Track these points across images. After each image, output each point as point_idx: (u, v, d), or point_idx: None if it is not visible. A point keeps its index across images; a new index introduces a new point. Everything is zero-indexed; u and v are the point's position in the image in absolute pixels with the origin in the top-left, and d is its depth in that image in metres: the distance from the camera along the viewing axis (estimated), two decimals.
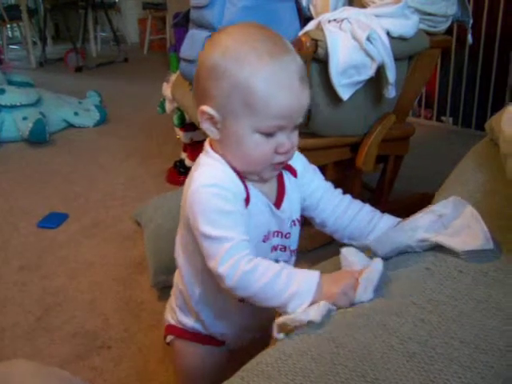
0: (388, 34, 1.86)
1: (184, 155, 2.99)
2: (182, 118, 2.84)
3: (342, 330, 0.82)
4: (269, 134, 0.96)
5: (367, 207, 1.17)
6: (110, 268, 2.23)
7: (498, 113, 1.40)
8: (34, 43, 7.22)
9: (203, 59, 0.99)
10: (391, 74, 1.85)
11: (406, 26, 1.90)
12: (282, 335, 0.87)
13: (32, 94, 3.96)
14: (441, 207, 1.04)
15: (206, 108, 0.98)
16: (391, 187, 2.36)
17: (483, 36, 3.44)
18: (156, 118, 3.85)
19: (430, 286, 0.90)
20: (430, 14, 2.01)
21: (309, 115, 1.95)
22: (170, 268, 1.26)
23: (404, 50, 1.96)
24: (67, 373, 1.04)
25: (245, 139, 0.97)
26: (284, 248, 1.13)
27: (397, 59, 1.88)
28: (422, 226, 1.02)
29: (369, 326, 0.82)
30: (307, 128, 1.99)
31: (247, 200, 1.02)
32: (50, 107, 4.03)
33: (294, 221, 1.14)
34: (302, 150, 1.80)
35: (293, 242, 1.17)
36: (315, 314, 0.86)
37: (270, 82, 0.92)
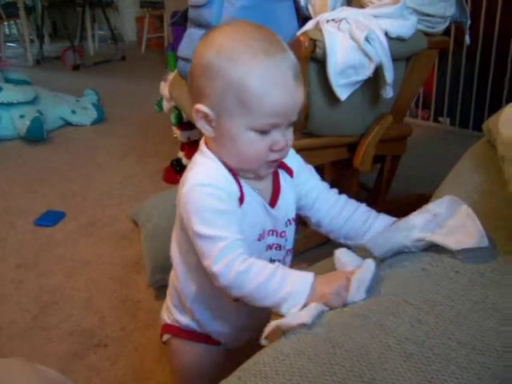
0: (386, 34, 1.87)
1: (181, 154, 2.99)
2: (179, 117, 2.84)
3: (338, 330, 0.82)
4: (263, 132, 0.96)
5: (363, 207, 1.17)
6: (107, 267, 2.23)
7: (496, 114, 1.41)
8: (32, 41, 7.21)
9: (197, 58, 0.99)
10: (389, 75, 1.85)
11: (404, 26, 1.90)
12: (266, 341, 0.89)
13: (29, 91, 3.96)
14: (435, 206, 1.04)
15: (200, 106, 0.98)
16: (388, 187, 2.36)
17: (481, 37, 3.44)
18: (153, 117, 3.85)
19: (427, 286, 0.90)
20: (428, 15, 2.01)
21: (307, 115, 1.96)
22: (167, 267, 1.26)
23: (402, 51, 1.96)
24: (61, 376, 1.04)
25: (239, 137, 0.97)
26: (279, 247, 1.14)
27: (395, 60, 1.89)
28: (417, 225, 1.03)
29: (366, 326, 0.82)
30: (305, 128, 1.99)
31: (241, 199, 1.02)
32: (47, 105, 4.02)
33: (289, 220, 1.14)
34: (300, 149, 1.80)
35: (288, 242, 1.17)
36: (306, 316, 0.87)
37: (264, 80, 0.93)
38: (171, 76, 2.77)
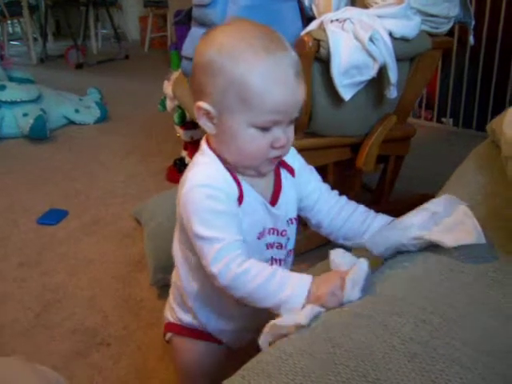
0: (390, 34, 1.86)
1: (184, 153, 2.99)
2: (182, 116, 2.84)
3: (340, 330, 0.82)
4: (264, 129, 0.97)
5: (361, 208, 1.17)
6: (110, 265, 2.23)
7: (500, 115, 1.41)
8: (35, 39, 7.21)
9: (199, 56, 1.00)
10: (393, 75, 1.85)
11: (409, 26, 1.90)
12: (264, 341, 0.90)
13: (33, 90, 3.96)
14: (434, 205, 1.06)
15: (202, 104, 0.99)
16: (392, 187, 2.36)
17: (484, 37, 3.44)
18: (156, 116, 3.85)
19: (431, 286, 0.90)
20: (432, 15, 2.01)
21: (310, 115, 1.96)
22: (169, 266, 1.27)
23: (406, 51, 1.96)
24: (60, 377, 1.04)
25: (240, 134, 0.98)
26: (280, 246, 1.14)
27: (399, 60, 1.88)
28: (415, 224, 1.04)
29: (370, 326, 0.82)
30: (308, 128, 1.99)
31: (240, 198, 1.03)
32: (50, 104, 4.02)
33: (290, 219, 1.15)
34: (302, 149, 1.80)
35: (290, 241, 1.17)
36: (303, 317, 0.88)
37: (266, 77, 0.93)
38: (175, 75, 2.77)
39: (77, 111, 4.13)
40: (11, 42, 7.70)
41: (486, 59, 3.51)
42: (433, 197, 1.37)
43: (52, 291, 2.07)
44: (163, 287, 1.94)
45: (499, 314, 0.84)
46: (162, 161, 3.26)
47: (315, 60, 1.85)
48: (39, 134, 3.70)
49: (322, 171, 2.11)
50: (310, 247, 2.13)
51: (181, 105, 2.72)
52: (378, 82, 1.90)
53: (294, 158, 1.16)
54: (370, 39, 1.79)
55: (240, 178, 1.04)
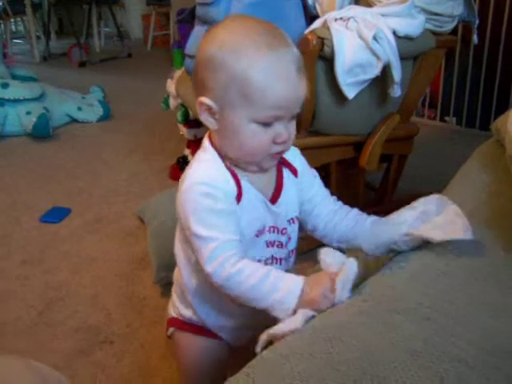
0: (394, 33, 1.86)
1: (187, 151, 2.99)
2: (185, 115, 2.84)
3: (347, 327, 0.82)
4: (266, 124, 0.97)
5: (354, 211, 1.19)
6: (113, 263, 2.23)
7: (505, 114, 1.41)
8: (38, 37, 7.22)
9: (201, 52, 1.01)
10: (397, 74, 1.85)
11: (413, 25, 1.90)
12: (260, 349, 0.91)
13: (36, 88, 3.96)
14: (425, 203, 1.07)
15: (204, 99, 1.00)
16: (395, 187, 2.36)
17: (488, 36, 3.43)
18: (159, 114, 3.85)
19: (436, 285, 0.90)
20: (436, 14, 2.00)
21: (313, 113, 1.95)
22: (173, 264, 1.27)
23: (410, 50, 1.95)
24: (56, 372, 1.04)
25: (242, 129, 0.98)
26: (281, 244, 1.14)
27: (402, 58, 1.88)
28: (406, 220, 1.06)
29: (375, 323, 0.82)
30: (312, 126, 1.99)
31: (239, 196, 1.03)
32: (53, 102, 4.02)
33: (292, 218, 1.15)
34: (306, 147, 1.80)
35: (292, 241, 1.17)
36: (297, 323, 0.89)
37: (267, 72, 0.94)
38: (178, 73, 2.77)
39: (80, 109, 4.13)
40: (14, 40, 7.72)
41: (490, 58, 3.50)
42: None
43: (55, 289, 2.07)
44: (166, 285, 1.94)
45: (506, 316, 0.84)
46: (164, 159, 3.26)
47: (319, 58, 1.85)
48: (42, 132, 3.70)
49: (325, 170, 2.12)
50: (310, 247, 2.12)
51: (184, 103, 2.72)
52: (382, 80, 1.90)
53: (297, 158, 1.16)
54: (374, 38, 1.79)
55: (240, 175, 1.05)
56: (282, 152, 1.04)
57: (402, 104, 2.12)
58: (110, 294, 2.03)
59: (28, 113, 3.73)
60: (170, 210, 2.16)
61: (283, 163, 1.12)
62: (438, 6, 2.00)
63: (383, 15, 1.89)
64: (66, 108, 4.08)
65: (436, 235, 0.99)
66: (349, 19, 1.85)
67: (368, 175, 2.31)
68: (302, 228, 1.22)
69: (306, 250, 2.06)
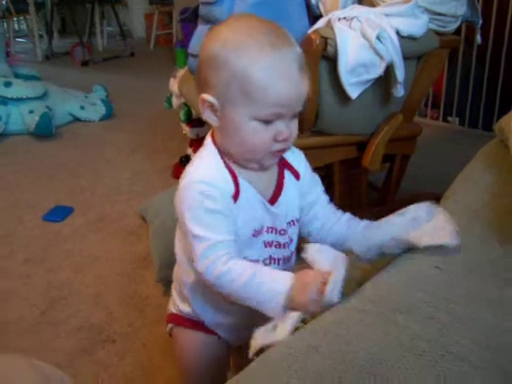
0: (397, 33, 1.86)
1: (190, 151, 2.99)
2: (188, 114, 2.84)
3: (351, 328, 0.82)
4: (267, 122, 0.98)
5: (347, 215, 1.18)
6: (115, 262, 2.24)
7: (508, 114, 1.40)
8: (41, 36, 7.21)
9: (204, 50, 1.01)
10: (400, 73, 1.85)
11: (416, 25, 1.90)
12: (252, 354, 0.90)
13: (38, 87, 3.96)
14: (415, 209, 1.08)
15: (206, 96, 1.00)
16: (398, 186, 2.35)
17: (491, 36, 3.43)
18: (162, 113, 3.85)
19: (441, 284, 0.90)
20: (439, 14, 2.00)
21: (317, 113, 1.95)
22: (175, 263, 1.27)
23: (413, 50, 1.95)
24: (58, 370, 1.04)
25: (243, 126, 0.98)
26: (279, 245, 1.14)
27: (406, 58, 1.88)
28: (397, 225, 1.06)
29: (379, 323, 0.82)
30: (315, 126, 1.99)
31: (236, 195, 1.03)
32: (56, 101, 4.03)
33: (292, 221, 1.15)
34: (309, 147, 1.80)
35: (292, 243, 1.17)
36: (286, 330, 0.89)
37: (269, 70, 0.94)
38: (181, 73, 2.77)
39: (82, 108, 4.14)
40: (17, 39, 7.72)
41: (493, 58, 3.50)
42: (439, 196, 1.37)
43: (57, 288, 2.08)
44: (168, 284, 1.92)
45: (502, 311, 0.84)
46: (167, 158, 3.26)
47: (322, 58, 1.85)
48: (45, 130, 3.70)
49: (328, 170, 2.12)
50: None
51: (187, 102, 2.73)
52: (385, 80, 1.90)
53: (300, 162, 1.16)
54: (378, 37, 1.79)
55: (239, 174, 1.05)
56: (283, 150, 1.04)
57: (405, 104, 2.12)
58: (112, 292, 2.04)
59: (31, 111, 3.73)
60: (172, 209, 2.16)
61: (285, 165, 1.13)
62: (442, 5, 1.99)
63: (387, 15, 1.89)
64: (68, 107, 4.09)
65: (424, 241, 1.00)
66: (352, 19, 1.85)
67: (371, 175, 2.31)
68: None
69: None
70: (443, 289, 0.90)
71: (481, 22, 2.23)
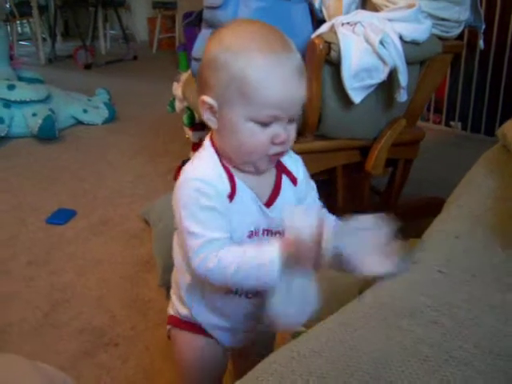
0: (401, 38, 1.87)
1: (192, 154, 2.99)
2: (191, 118, 2.85)
3: (355, 332, 0.83)
4: (264, 124, 0.98)
5: (332, 217, 1.17)
6: (118, 266, 2.24)
7: (511, 119, 1.41)
8: (44, 40, 7.23)
9: (206, 53, 1.03)
10: (403, 78, 1.85)
11: (419, 30, 1.90)
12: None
13: (42, 90, 3.97)
14: (361, 221, 1.06)
15: (205, 98, 1.01)
16: (400, 191, 2.36)
17: (494, 41, 3.44)
18: (164, 117, 3.86)
19: (443, 289, 0.91)
20: (442, 19, 2.01)
21: (320, 117, 1.96)
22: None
23: (416, 55, 1.96)
24: (62, 373, 1.05)
25: (239, 128, 0.99)
26: None
27: (409, 63, 1.89)
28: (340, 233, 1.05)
29: (382, 327, 0.82)
30: (318, 130, 2.00)
31: (232, 195, 1.04)
32: (59, 104, 4.04)
33: None
34: (312, 151, 1.81)
35: None
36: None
37: (266, 72, 0.95)
38: (184, 76, 2.78)
39: (85, 111, 4.14)
40: (20, 42, 7.74)
41: (495, 63, 3.51)
42: (441, 200, 1.38)
43: (60, 291, 2.08)
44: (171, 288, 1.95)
45: (505, 316, 0.84)
46: (170, 161, 3.27)
47: (326, 63, 1.86)
48: (48, 133, 3.71)
49: (331, 174, 2.12)
50: None
51: (190, 106, 2.73)
52: (388, 85, 1.91)
53: (298, 168, 1.16)
54: (381, 42, 1.80)
55: (236, 176, 1.05)
56: (280, 154, 1.05)
57: (408, 109, 2.12)
58: (115, 296, 2.04)
59: (34, 114, 3.74)
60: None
61: (283, 170, 1.13)
62: (445, 11, 2.00)
63: (390, 20, 1.90)
64: (71, 110, 4.10)
65: (362, 266, 1.00)
66: (356, 24, 1.86)
67: (373, 179, 2.32)
68: None
69: None
70: (446, 293, 0.90)
71: (484, 27, 2.24)
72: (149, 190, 2.94)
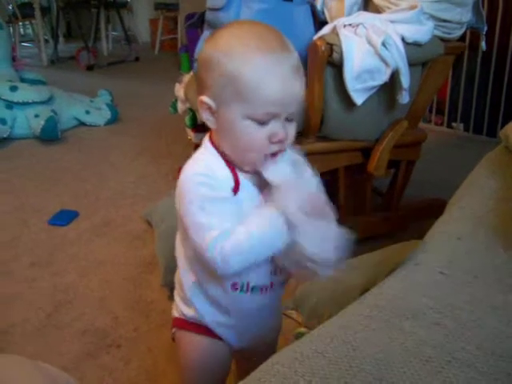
0: (403, 39, 1.87)
1: None
2: (193, 119, 2.85)
3: (357, 333, 0.83)
4: (262, 123, 0.98)
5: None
6: (121, 267, 2.24)
7: None
8: (46, 41, 7.23)
9: (202, 53, 1.03)
10: (405, 80, 1.86)
11: (421, 31, 1.91)
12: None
13: (44, 91, 3.98)
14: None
15: (203, 98, 1.01)
16: (402, 192, 2.36)
17: (496, 43, 3.44)
18: (166, 118, 3.87)
19: (446, 290, 0.91)
20: (444, 21, 2.01)
21: (322, 119, 1.96)
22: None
23: (418, 56, 1.96)
24: (64, 373, 1.05)
25: (237, 126, 0.99)
26: None
27: (411, 65, 1.89)
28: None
29: (385, 329, 0.82)
30: (320, 131, 2.00)
31: (236, 188, 1.04)
32: (61, 105, 4.04)
33: None
34: (314, 153, 1.81)
35: None
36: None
37: (261, 69, 0.95)
38: (186, 78, 2.78)
39: (87, 113, 4.15)
40: (23, 44, 7.75)
41: (498, 65, 3.51)
42: (443, 201, 1.38)
43: (63, 292, 2.08)
44: (174, 289, 1.95)
45: (507, 317, 0.84)
46: (172, 162, 3.27)
47: (328, 64, 1.86)
48: (50, 134, 3.72)
49: (333, 175, 2.13)
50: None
51: (192, 107, 2.73)
52: (390, 86, 1.91)
53: (311, 175, 1.16)
54: (383, 44, 1.80)
55: (238, 172, 1.05)
56: (278, 153, 1.05)
57: (410, 110, 2.13)
58: (117, 297, 2.04)
59: (36, 116, 3.75)
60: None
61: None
62: (447, 12, 2.00)
63: (392, 21, 1.90)
64: (74, 111, 4.11)
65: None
66: (358, 25, 1.86)
67: (375, 180, 2.32)
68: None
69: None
70: (448, 295, 0.91)
71: (486, 28, 2.24)
72: (151, 191, 2.95)
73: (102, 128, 4.13)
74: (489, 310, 0.85)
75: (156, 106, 4.48)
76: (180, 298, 1.24)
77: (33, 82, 4.12)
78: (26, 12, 6.73)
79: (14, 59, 4.29)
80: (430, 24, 1.95)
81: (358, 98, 1.86)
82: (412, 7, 1.91)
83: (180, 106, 2.94)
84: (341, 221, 0.98)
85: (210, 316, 1.18)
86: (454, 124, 3.88)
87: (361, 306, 0.92)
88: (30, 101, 3.81)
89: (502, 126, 1.50)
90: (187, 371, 1.29)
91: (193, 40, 2.65)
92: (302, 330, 1.65)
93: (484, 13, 2.23)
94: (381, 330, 0.82)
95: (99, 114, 4.18)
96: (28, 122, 3.78)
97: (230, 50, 0.96)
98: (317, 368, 0.76)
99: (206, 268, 1.04)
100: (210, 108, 1.01)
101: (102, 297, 2.05)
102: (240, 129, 0.99)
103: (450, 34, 2.06)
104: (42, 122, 3.67)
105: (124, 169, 3.31)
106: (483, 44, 2.34)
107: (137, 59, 6.82)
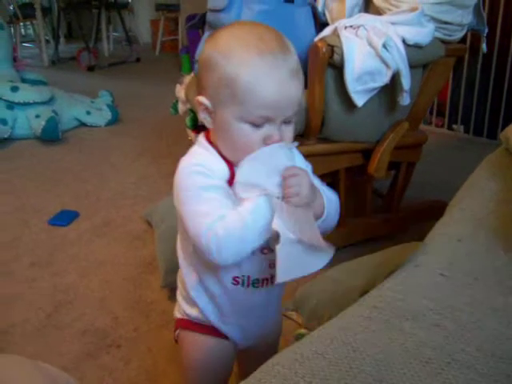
0: (404, 41, 1.87)
1: None
2: (194, 120, 2.84)
3: (357, 335, 0.83)
4: (256, 125, 0.98)
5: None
6: (121, 267, 2.24)
7: None
8: (47, 41, 7.24)
9: (201, 54, 1.03)
10: (406, 82, 1.86)
11: (422, 33, 1.91)
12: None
13: (45, 92, 3.98)
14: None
15: (201, 98, 1.01)
16: (403, 194, 2.36)
17: (497, 45, 3.44)
18: (167, 119, 3.87)
19: (446, 292, 0.91)
20: (445, 23, 2.01)
21: (323, 120, 1.96)
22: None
23: (419, 58, 1.96)
24: (64, 373, 1.05)
25: (232, 127, 0.99)
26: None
27: (412, 67, 1.89)
28: None
29: (385, 330, 0.82)
30: (321, 133, 2.00)
31: (231, 180, 1.03)
32: (62, 106, 4.04)
33: None
34: (315, 154, 1.81)
35: None
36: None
37: (258, 73, 0.94)
38: (187, 79, 2.78)
39: (88, 113, 4.15)
40: (24, 44, 7.75)
41: (498, 67, 3.51)
42: (443, 203, 1.38)
43: (63, 292, 2.08)
44: (174, 289, 1.92)
45: (507, 319, 0.84)
46: (172, 163, 3.22)
47: (329, 66, 1.86)
48: (51, 135, 3.72)
49: (334, 177, 2.13)
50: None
51: (193, 108, 2.73)
52: (391, 88, 1.91)
53: (303, 164, 1.16)
54: (384, 46, 1.80)
55: (235, 167, 1.05)
56: None
57: (410, 112, 2.13)
58: (117, 297, 2.04)
59: (37, 116, 3.75)
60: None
61: None
62: (448, 14, 2.01)
63: (393, 23, 1.90)
64: (74, 112, 4.11)
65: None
66: (359, 27, 1.86)
67: (376, 182, 2.32)
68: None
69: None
70: (448, 296, 0.91)
71: (486, 30, 2.25)
72: (152, 192, 2.95)
73: (102, 129, 4.13)
74: (489, 311, 0.85)
75: (157, 107, 4.48)
76: (183, 297, 1.24)
77: (34, 83, 4.12)
78: (27, 12, 6.74)
79: (15, 60, 4.29)
80: (431, 26, 1.95)
81: (359, 100, 1.86)
82: (413, 9, 1.92)
83: (181, 107, 2.94)
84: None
85: (214, 314, 1.18)
86: (454, 126, 3.88)
87: (361, 308, 0.92)
88: (31, 101, 3.82)
89: (503, 128, 1.50)
90: (190, 371, 1.29)
91: (194, 41, 2.66)
92: (302, 331, 1.65)
93: (485, 15, 2.24)
94: (381, 331, 0.83)
95: (100, 115, 4.18)
96: (29, 122, 3.79)
97: (229, 52, 0.96)
98: (317, 369, 0.77)
99: (206, 263, 1.04)
100: (207, 108, 1.02)
101: (102, 297, 2.05)
102: (236, 130, 0.99)
103: (450, 36, 2.07)
104: (43, 123, 3.68)
105: (125, 169, 3.31)
106: (484, 46, 2.35)
107: (138, 60, 6.82)
